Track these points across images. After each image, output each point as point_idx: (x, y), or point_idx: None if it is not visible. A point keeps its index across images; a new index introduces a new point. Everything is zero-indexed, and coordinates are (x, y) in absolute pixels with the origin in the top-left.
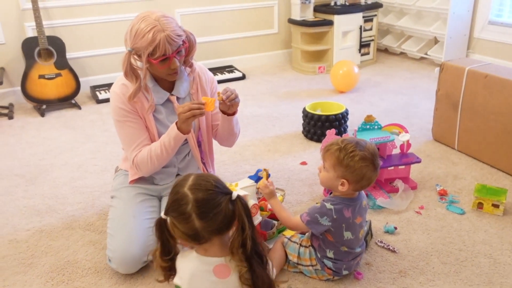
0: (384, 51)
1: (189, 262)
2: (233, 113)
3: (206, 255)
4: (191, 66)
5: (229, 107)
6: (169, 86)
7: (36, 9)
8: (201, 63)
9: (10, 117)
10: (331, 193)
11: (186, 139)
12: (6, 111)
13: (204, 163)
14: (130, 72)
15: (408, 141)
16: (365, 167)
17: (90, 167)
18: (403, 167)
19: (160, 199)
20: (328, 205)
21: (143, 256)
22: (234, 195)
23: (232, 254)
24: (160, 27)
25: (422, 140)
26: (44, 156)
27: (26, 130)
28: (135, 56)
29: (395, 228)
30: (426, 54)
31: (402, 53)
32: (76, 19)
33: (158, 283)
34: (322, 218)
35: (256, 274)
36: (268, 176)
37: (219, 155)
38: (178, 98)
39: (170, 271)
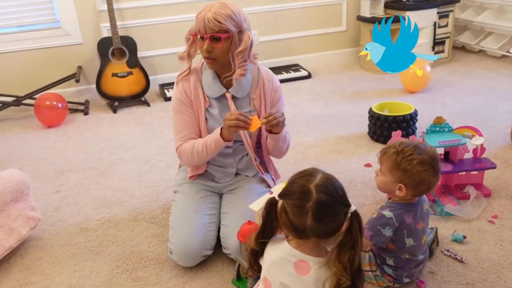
0: (461, 48)
1: (277, 248)
2: (277, 133)
3: (296, 248)
4: (243, 67)
5: (271, 128)
6: (228, 84)
7: (111, 11)
8: (265, 66)
9: (86, 113)
10: (390, 198)
11: (241, 141)
12: (82, 107)
13: (264, 162)
14: (187, 53)
15: (482, 145)
16: (423, 171)
17: (156, 162)
18: (475, 172)
19: (220, 196)
20: (387, 213)
21: (203, 250)
22: (352, 209)
23: (339, 262)
24: (210, 7)
25: (500, 144)
26: (115, 151)
27: (100, 125)
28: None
29: (464, 237)
30: (508, 52)
31: (481, 51)
32: (147, 19)
33: (216, 278)
34: (385, 228)
35: None
36: None
37: None
38: (235, 98)
39: (256, 261)
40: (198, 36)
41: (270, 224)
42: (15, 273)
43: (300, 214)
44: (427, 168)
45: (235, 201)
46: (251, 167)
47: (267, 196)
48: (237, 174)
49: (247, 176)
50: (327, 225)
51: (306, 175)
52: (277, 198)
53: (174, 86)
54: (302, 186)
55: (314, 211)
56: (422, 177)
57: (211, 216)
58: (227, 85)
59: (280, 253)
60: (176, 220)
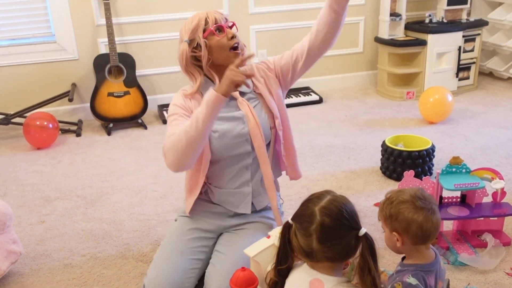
0: (488, 75)
1: (296, 270)
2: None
3: (312, 268)
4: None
5: None
6: None
7: (109, 25)
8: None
9: (78, 134)
10: (403, 259)
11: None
12: (74, 127)
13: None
14: (191, 64)
15: (502, 189)
16: (405, 209)
17: (150, 192)
18: (495, 218)
19: (218, 236)
20: (412, 280)
21: None
22: (362, 232)
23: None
24: (201, 12)
25: None
26: (106, 178)
27: (92, 149)
28: (195, 50)
29: None
30: None
31: (510, 78)
32: (148, 35)
33: None
34: None
35: None
36: None
37: (285, 189)
38: (242, 94)
39: None
40: (215, 30)
41: (284, 249)
42: None
43: (306, 237)
44: (407, 206)
45: (232, 241)
46: (263, 192)
47: (263, 240)
48: (240, 215)
49: (258, 211)
50: (333, 248)
51: (314, 197)
52: (290, 221)
53: (172, 99)
54: (307, 209)
55: (318, 234)
56: (405, 216)
57: (197, 261)
58: None
59: (297, 274)
60: (159, 256)
